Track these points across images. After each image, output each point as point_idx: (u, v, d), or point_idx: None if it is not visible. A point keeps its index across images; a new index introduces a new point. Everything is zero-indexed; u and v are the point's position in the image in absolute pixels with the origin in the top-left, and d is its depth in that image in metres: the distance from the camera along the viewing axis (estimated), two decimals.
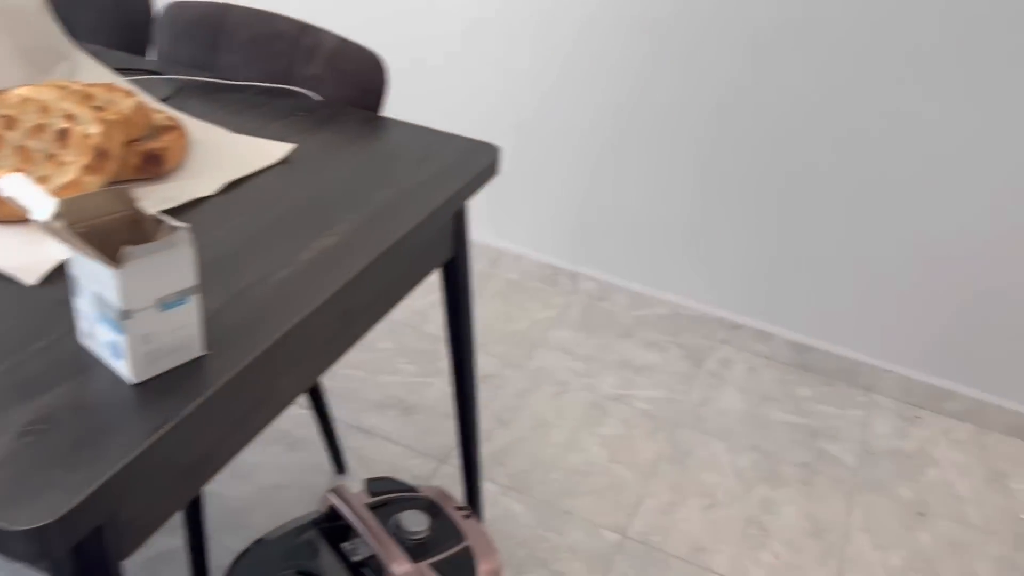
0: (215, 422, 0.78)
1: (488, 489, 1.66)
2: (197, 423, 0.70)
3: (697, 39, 1.88)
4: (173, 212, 0.94)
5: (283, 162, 1.08)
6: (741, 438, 1.87)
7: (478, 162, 1.13)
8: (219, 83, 1.28)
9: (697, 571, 1.54)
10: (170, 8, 1.37)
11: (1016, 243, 1.79)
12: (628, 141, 2.06)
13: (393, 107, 2.28)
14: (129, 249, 0.65)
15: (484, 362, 2.01)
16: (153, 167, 0.99)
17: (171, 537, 1.48)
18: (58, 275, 0.83)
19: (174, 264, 0.68)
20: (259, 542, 1.23)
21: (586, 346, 2.11)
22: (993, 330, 1.90)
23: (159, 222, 0.70)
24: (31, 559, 0.59)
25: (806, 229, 1.98)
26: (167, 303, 0.68)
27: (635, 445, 1.81)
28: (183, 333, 0.71)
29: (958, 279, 1.88)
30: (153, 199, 0.95)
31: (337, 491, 1.25)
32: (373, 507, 1.25)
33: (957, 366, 1.97)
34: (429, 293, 2.21)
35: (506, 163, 2.24)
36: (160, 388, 0.70)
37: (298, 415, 1.77)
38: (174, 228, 0.68)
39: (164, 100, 1.20)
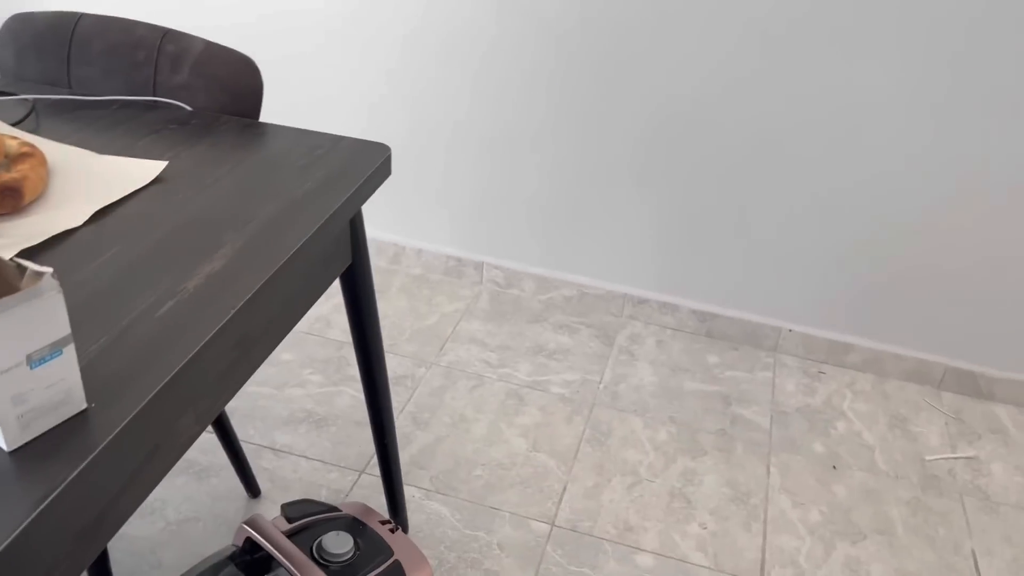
0: (108, 480, 0.71)
1: (412, 495, 1.62)
2: (87, 485, 0.63)
3: (578, 18, 1.87)
4: (37, 250, 0.86)
5: (157, 182, 1.00)
6: (658, 412, 1.88)
7: (369, 164, 1.08)
8: (77, 100, 1.18)
9: (627, 552, 1.54)
10: (11, 21, 1.25)
11: (896, 198, 1.86)
12: (519, 127, 2.04)
13: (271, 112, 2.18)
14: None
15: (395, 363, 1.96)
16: (9, 201, 0.90)
17: None
18: None
19: (42, 314, 0.61)
20: None
21: (498, 336, 2.08)
22: (884, 284, 1.97)
23: (20, 268, 0.63)
24: None
25: (698, 200, 2.00)
26: (37, 359, 0.61)
27: (555, 431, 1.80)
28: (60, 388, 0.64)
29: (847, 238, 1.94)
30: (12, 238, 0.86)
31: (252, 522, 1.18)
32: (293, 533, 1.19)
33: (854, 320, 2.04)
34: (330, 298, 2.14)
35: (397, 157, 2.18)
36: (40, 453, 0.63)
37: (203, 441, 1.68)
38: (38, 274, 0.61)
39: (15, 124, 1.10)
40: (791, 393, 1.99)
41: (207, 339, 0.76)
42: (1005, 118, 1.72)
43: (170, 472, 1.59)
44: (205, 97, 1.20)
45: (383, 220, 2.28)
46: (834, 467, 1.78)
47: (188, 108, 1.20)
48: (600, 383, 1.96)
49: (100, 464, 0.64)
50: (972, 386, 2.02)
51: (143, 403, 0.68)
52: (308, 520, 1.21)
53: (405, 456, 1.70)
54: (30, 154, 0.95)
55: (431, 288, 2.25)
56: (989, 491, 1.75)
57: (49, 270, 0.61)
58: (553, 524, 1.58)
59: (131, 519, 1.51)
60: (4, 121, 1.09)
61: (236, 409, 1.78)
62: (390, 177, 2.20)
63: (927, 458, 1.82)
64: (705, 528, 1.60)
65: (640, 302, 2.17)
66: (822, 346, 2.09)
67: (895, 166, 1.83)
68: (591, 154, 2.02)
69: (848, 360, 2.09)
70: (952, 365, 2.02)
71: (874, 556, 1.57)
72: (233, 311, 0.80)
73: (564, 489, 1.66)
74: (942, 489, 1.74)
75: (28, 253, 0.85)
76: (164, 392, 0.71)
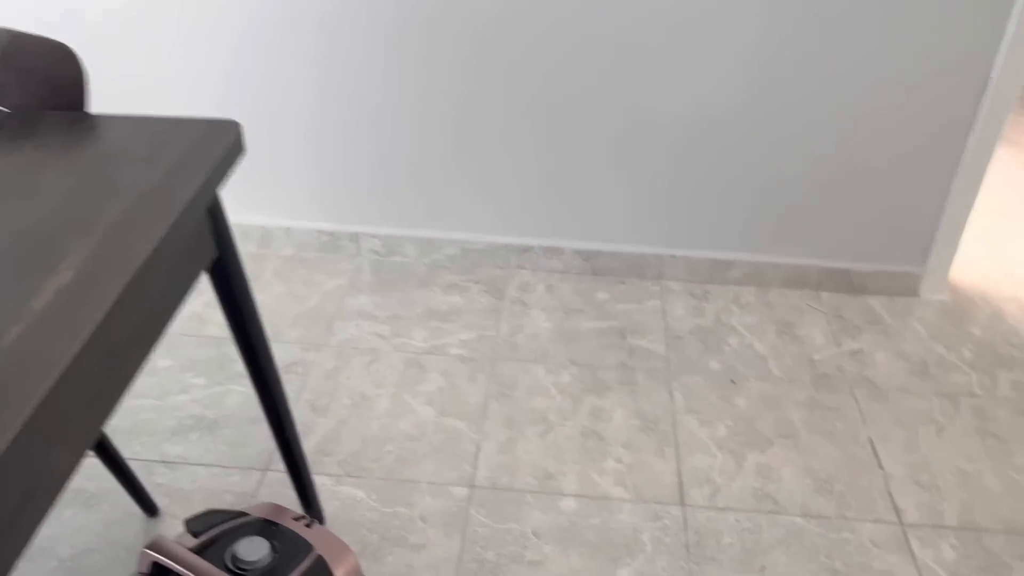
0: None
1: (322, 484, 1.56)
2: None
3: None
4: None
5: None
6: (557, 356, 1.88)
7: (219, 144, 0.99)
8: None
9: (550, 499, 1.54)
10: None
11: (756, 115, 1.90)
12: (375, 88, 1.95)
13: (102, 101, 2.01)
14: None
15: (282, 351, 1.87)
16: None
17: None
18: None
19: None
20: None
21: (387, 306, 2.02)
22: (754, 198, 2.02)
23: None
24: None
25: (565, 140, 1.98)
26: None
27: (460, 393, 1.77)
28: None
29: (715, 160, 1.97)
30: None
31: (155, 544, 1.10)
32: (202, 548, 1.12)
33: (730, 238, 2.09)
34: (200, 294, 2.02)
35: (250, 133, 2.05)
36: None
37: (88, 466, 1.56)
38: None
39: None
40: (681, 317, 2.02)
41: (67, 363, 0.68)
42: (865, 23, 1.77)
43: (54, 506, 1.47)
44: (20, 94, 1.07)
45: (245, 202, 2.16)
46: (732, 381, 1.83)
47: (3, 109, 1.07)
48: (497, 337, 1.93)
49: None
50: (846, 283, 2.12)
51: (2, 447, 0.60)
52: (216, 531, 1.14)
53: (309, 445, 1.63)
54: None
55: (308, 267, 2.15)
56: (876, 380, 1.84)
57: None
58: (472, 486, 1.56)
59: (18, 565, 1.39)
60: None
61: (117, 427, 1.65)
62: (246, 156, 2.08)
63: (815, 358, 1.90)
64: (621, 462, 1.61)
65: (525, 250, 2.15)
66: (704, 267, 2.13)
67: (754, 81, 1.86)
68: (453, 106, 1.97)
69: (730, 276, 2.14)
70: (825, 266, 2.10)
71: (783, 460, 1.63)
72: (93, 327, 0.72)
73: (478, 449, 1.64)
74: (833, 386, 1.82)
75: None
76: (26, 431, 0.63)
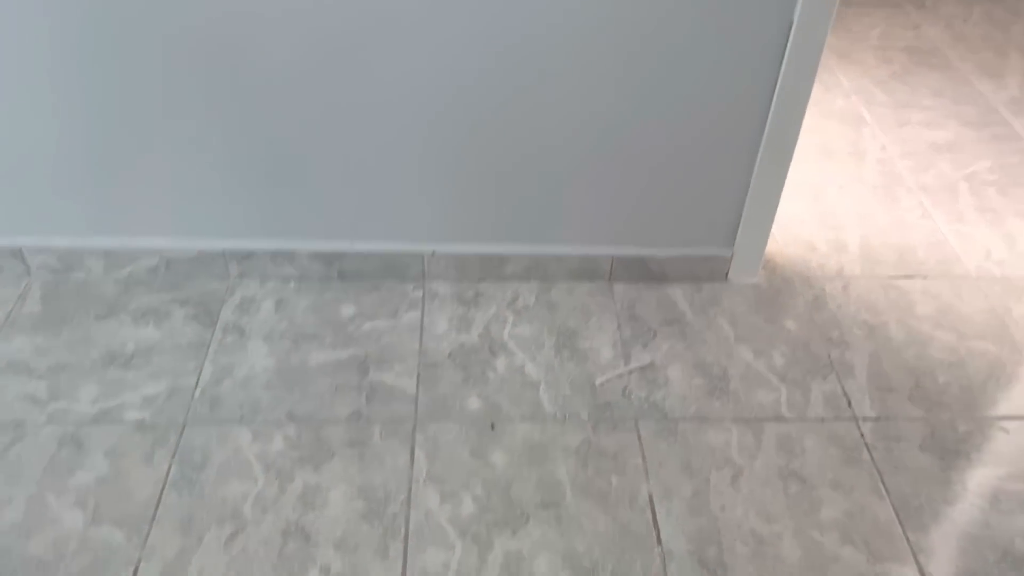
0: None
1: None
2: None
3: None
4: None
5: None
6: (272, 410, 1.46)
7: None
8: None
9: None
10: None
11: (515, 84, 1.47)
12: (24, 77, 1.42)
13: None
14: None
15: None
16: None
17: None
18: None
19: None
20: None
21: (52, 351, 1.54)
22: (527, 181, 1.61)
23: None
24: None
25: (287, 119, 1.51)
26: None
27: (127, 483, 1.34)
28: None
29: (442, 137, 1.54)
30: None
31: None
32: None
33: (505, 227, 1.69)
34: None
35: None
36: None
37: None
38: None
39: None
40: (442, 334, 1.63)
41: None
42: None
43: None
44: None
45: None
46: (492, 426, 1.46)
47: None
48: (196, 388, 1.50)
49: None
50: (643, 272, 1.76)
51: None
52: None
53: None
54: None
55: None
56: (666, 407, 1.51)
57: None
58: None
59: None
60: None
61: None
62: None
63: (598, 381, 1.55)
64: (328, 573, 1.23)
65: (247, 256, 1.70)
66: (475, 263, 1.73)
67: (517, 44, 1.42)
68: (124, 89, 1.45)
69: (507, 272, 1.75)
70: (620, 254, 1.74)
71: (539, 543, 1.28)
72: None
73: (136, 567, 1.22)
74: (616, 419, 1.48)
75: None
76: None
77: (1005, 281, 1.79)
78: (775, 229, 1.92)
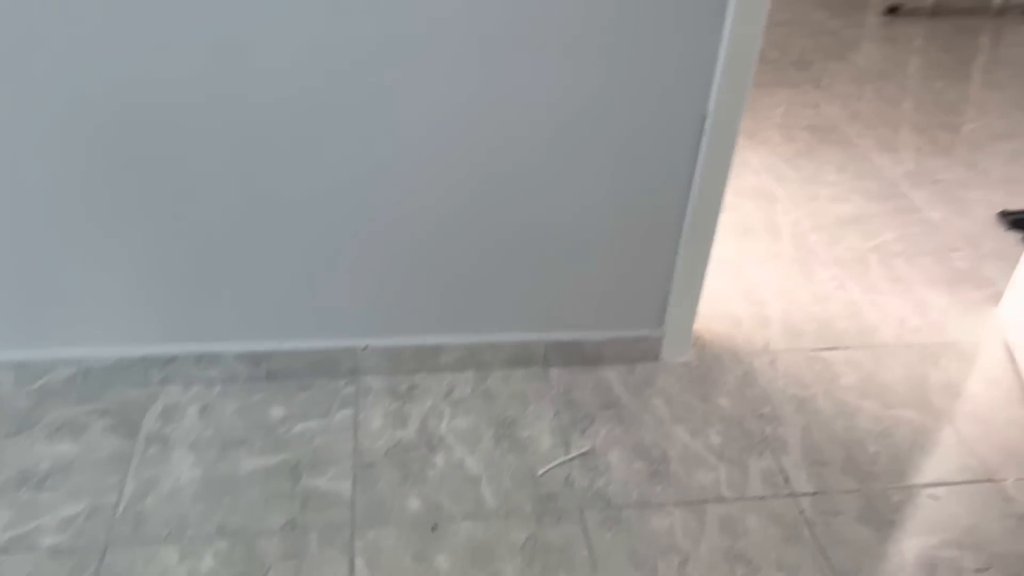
0: None
1: None
2: None
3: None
4: None
5: None
6: (201, 525, 1.39)
7: None
8: None
9: None
10: None
11: (443, 174, 1.48)
12: None
13: None
14: None
15: None
16: None
17: None
18: None
19: None
20: None
21: None
22: (457, 271, 1.61)
23: None
24: None
25: (206, 218, 1.48)
26: None
27: None
28: None
29: (368, 229, 1.54)
30: None
31: None
32: None
33: (436, 317, 1.68)
34: None
35: None
36: None
37: None
38: None
39: None
40: (378, 431, 1.59)
41: None
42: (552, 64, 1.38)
43: None
44: None
45: None
46: (434, 528, 1.42)
47: None
48: (118, 506, 1.41)
49: None
50: (578, 355, 1.77)
51: None
52: None
53: None
54: None
55: None
56: (609, 494, 1.49)
57: None
58: None
59: None
60: None
61: None
62: None
63: (539, 472, 1.53)
64: None
65: (170, 361, 1.64)
66: (408, 355, 1.71)
67: (439, 128, 1.44)
68: (37, 195, 1.40)
69: (441, 362, 1.73)
70: (553, 339, 1.74)
71: None
72: None
73: None
74: (560, 510, 1.46)
75: None
76: None
77: (921, 348, 1.86)
78: (702, 306, 1.96)
